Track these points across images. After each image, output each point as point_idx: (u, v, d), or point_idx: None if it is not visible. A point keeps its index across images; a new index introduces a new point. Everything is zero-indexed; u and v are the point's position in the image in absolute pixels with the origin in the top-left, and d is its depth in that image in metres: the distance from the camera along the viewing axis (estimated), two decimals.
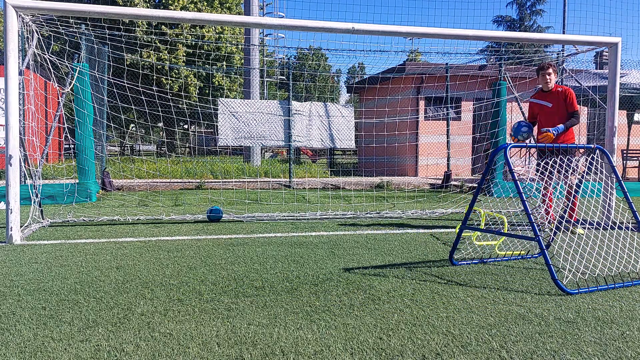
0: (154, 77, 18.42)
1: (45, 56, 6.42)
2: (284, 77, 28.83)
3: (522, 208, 6.07)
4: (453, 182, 11.54)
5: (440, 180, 11.97)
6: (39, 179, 6.40)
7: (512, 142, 5.13)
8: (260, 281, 3.62)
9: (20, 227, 5.40)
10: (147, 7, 22.66)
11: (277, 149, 24.20)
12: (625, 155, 12.92)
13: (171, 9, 22.47)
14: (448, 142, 11.95)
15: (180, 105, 16.10)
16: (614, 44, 6.57)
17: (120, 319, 2.84)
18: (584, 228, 5.75)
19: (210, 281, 3.62)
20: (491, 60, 22.96)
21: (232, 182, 11.33)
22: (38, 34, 6.15)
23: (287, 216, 6.86)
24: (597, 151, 4.27)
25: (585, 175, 4.41)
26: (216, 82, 23.77)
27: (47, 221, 6.19)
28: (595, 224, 5.84)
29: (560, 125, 5.51)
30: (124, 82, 8.03)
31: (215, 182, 11.35)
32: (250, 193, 9.72)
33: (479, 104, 13.36)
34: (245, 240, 5.20)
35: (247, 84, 16.27)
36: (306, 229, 5.95)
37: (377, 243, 5.08)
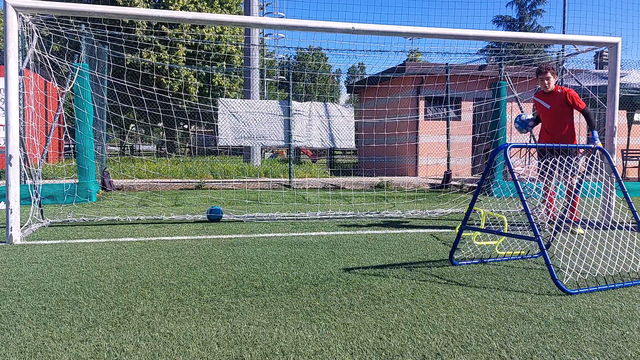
0: (154, 77, 18.40)
1: (45, 56, 6.42)
2: (284, 77, 28.81)
3: (522, 208, 6.06)
4: (453, 182, 11.54)
5: (440, 180, 11.97)
6: (39, 179, 6.40)
7: (512, 140, 5.13)
8: (260, 281, 3.62)
9: (20, 227, 5.39)
10: (147, 7, 22.66)
11: (277, 149, 24.19)
12: (625, 155, 12.92)
13: (171, 9, 22.46)
14: (448, 142, 11.95)
15: (180, 105, 16.08)
16: (614, 44, 6.57)
17: (120, 319, 2.84)
18: (584, 228, 5.75)
19: (210, 281, 3.62)
20: (491, 60, 22.96)
21: (232, 182, 11.33)
22: (38, 34, 6.15)
23: (287, 216, 6.86)
24: (597, 151, 4.27)
25: (585, 175, 4.41)
26: (216, 82, 23.75)
27: (47, 221, 6.19)
28: (595, 224, 5.84)
29: (595, 133, 5.44)
30: (124, 82, 8.02)
31: (215, 182, 11.35)
32: (250, 193, 9.72)
33: (479, 104, 13.36)
34: (245, 240, 5.20)
35: (247, 84, 16.26)
36: (306, 229, 5.95)
37: (377, 243, 5.08)
